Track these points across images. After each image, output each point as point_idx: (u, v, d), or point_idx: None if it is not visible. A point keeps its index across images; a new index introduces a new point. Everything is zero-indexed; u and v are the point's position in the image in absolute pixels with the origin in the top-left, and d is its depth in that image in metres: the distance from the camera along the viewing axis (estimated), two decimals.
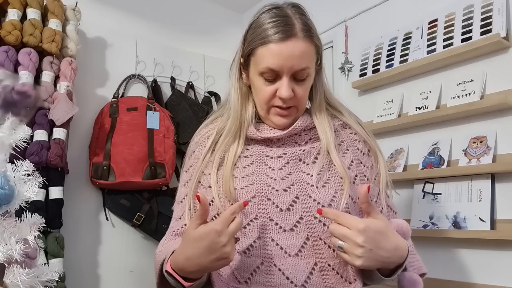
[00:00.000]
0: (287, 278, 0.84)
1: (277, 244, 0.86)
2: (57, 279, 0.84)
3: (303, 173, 0.91)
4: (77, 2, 1.80)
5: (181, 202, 1.00)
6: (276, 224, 0.86)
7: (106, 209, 1.89)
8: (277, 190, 0.88)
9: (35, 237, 0.82)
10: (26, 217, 0.83)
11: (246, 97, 0.98)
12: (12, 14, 1.59)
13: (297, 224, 0.86)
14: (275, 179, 0.90)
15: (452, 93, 1.52)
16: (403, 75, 1.70)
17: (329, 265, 0.85)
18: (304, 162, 0.93)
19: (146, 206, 1.89)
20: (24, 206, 0.82)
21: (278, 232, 0.86)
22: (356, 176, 0.93)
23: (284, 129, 0.95)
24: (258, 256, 0.86)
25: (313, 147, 0.94)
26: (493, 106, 1.38)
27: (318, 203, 0.86)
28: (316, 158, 0.93)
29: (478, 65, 1.48)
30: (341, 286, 0.86)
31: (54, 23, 1.67)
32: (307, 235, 0.86)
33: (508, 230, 1.30)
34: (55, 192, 1.63)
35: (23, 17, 1.64)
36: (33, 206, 1.00)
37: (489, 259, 1.37)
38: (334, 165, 0.91)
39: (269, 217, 0.87)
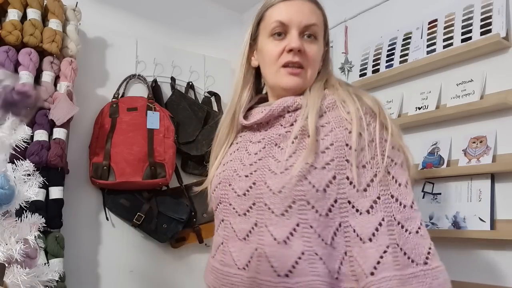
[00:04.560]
0: (233, 260, 0.87)
1: (232, 228, 0.90)
2: (57, 279, 0.85)
3: (271, 158, 0.88)
4: (77, 2, 1.80)
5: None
6: (234, 208, 0.90)
7: (106, 209, 1.89)
8: (239, 176, 0.91)
9: (35, 237, 0.82)
10: (26, 217, 0.83)
11: (246, 82, 1.01)
12: (13, 14, 1.59)
13: (249, 209, 0.87)
14: (244, 165, 0.92)
15: (452, 93, 1.52)
16: (403, 75, 1.70)
17: (265, 252, 0.83)
18: (279, 147, 0.89)
19: (146, 206, 1.89)
20: (24, 206, 0.82)
21: (234, 217, 0.90)
22: (332, 167, 0.83)
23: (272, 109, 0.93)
24: (220, 236, 0.93)
25: (289, 131, 0.89)
26: (493, 106, 1.38)
27: (270, 189, 0.84)
28: (292, 142, 0.87)
29: (478, 65, 1.48)
30: (271, 276, 0.82)
31: (54, 23, 1.67)
32: (256, 221, 0.86)
33: (508, 230, 1.30)
34: (55, 192, 1.63)
35: (23, 17, 1.64)
36: (33, 206, 1.00)
37: (489, 259, 1.37)
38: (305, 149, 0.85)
39: (229, 202, 0.91)
